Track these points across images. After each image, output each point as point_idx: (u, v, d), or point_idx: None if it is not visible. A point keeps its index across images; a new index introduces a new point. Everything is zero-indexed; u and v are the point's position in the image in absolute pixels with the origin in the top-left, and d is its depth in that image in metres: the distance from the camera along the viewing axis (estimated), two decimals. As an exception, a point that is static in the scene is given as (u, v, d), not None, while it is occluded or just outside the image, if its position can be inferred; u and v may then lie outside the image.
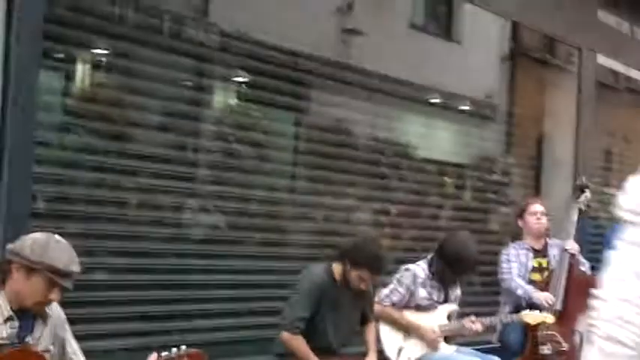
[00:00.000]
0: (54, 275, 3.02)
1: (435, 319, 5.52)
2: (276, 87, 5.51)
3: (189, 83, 5.15)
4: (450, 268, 5.51)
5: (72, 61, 4.65)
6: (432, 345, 5.38)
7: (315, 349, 4.74)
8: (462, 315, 5.73)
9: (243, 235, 5.32)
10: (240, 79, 5.58)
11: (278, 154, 5.66)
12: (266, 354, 5.03)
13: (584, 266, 6.31)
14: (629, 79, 9.05)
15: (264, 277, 5.35)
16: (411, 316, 5.48)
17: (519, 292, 5.99)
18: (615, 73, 8.90)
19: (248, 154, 5.38)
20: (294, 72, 5.66)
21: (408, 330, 5.42)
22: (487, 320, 5.71)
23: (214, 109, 5.42)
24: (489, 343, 5.97)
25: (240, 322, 5.22)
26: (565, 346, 5.78)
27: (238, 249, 5.26)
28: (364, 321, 5.16)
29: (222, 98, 5.52)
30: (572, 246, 6.16)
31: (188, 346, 2.95)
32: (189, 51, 5.12)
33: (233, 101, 5.57)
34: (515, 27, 7.92)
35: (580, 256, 6.27)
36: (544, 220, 6.30)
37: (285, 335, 4.71)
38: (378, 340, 5.36)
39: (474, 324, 5.51)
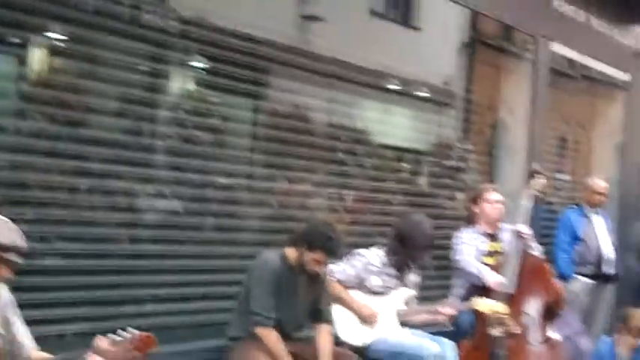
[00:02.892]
0: None
1: (391, 304, 5.60)
2: (235, 73, 5.52)
3: (146, 69, 5.13)
4: (405, 249, 5.58)
5: (26, 46, 4.62)
6: (369, 321, 5.46)
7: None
8: (419, 300, 5.84)
9: (199, 220, 5.34)
10: (199, 65, 5.58)
11: (235, 140, 5.67)
12: (219, 338, 5.09)
13: (537, 250, 6.44)
14: (584, 66, 9.17)
15: (218, 262, 5.38)
16: (363, 299, 5.56)
17: (474, 270, 6.08)
18: (570, 61, 9.03)
19: (205, 140, 5.39)
20: (252, 58, 5.66)
21: (345, 306, 5.49)
22: (460, 304, 5.81)
23: (171, 95, 5.42)
24: (442, 326, 6.07)
25: (193, 307, 5.24)
26: (515, 329, 5.90)
27: (193, 234, 5.28)
28: (320, 318, 5.18)
29: (180, 84, 5.52)
30: (525, 230, 6.27)
31: (139, 330, 2.98)
32: (146, 36, 5.10)
33: (191, 87, 5.57)
34: (474, 15, 7.99)
35: (533, 241, 6.39)
36: (500, 207, 6.42)
37: (263, 331, 4.75)
38: (333, 322, 5.42)
39: (445, 308, 5.62)
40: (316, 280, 5.03)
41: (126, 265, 4.93)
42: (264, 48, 5.81)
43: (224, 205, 5.47)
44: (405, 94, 7.34)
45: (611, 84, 9.78)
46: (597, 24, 9.16)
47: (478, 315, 5.95)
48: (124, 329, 2.96)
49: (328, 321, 5.16)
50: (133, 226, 5.04)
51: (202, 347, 5.12)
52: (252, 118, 5.92)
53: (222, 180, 5.46)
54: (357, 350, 5.36)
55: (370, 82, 6.82)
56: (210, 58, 5.46)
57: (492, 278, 6.01)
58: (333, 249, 4.89)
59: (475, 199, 6.47)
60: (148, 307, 5.04)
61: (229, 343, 4.93)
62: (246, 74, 5.61)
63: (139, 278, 4.95)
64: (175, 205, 5.21)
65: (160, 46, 5.23)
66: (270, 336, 4.75)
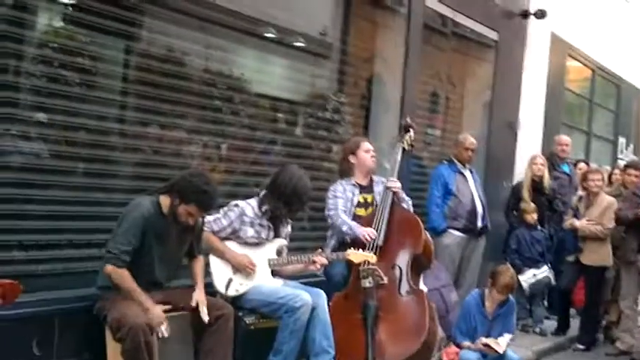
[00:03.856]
0: None
1: (264, 254, 5.59)
2: (106, 11, 5.27)
3: (10, 2, 4.81)
4: (284, 203, 5.58)
5: None
6: (246, 269, 5.45)
7: (141, 283, 4.69)
8: (291, 250, 5.83)
9: (67, 164, 5.10)
10: (67, 1, 5.30)
11: (106, 81, 5.44)
12: (88, 287, 4.93)
13: (407, 203, 6.55)
14: (455, 23, 9.33)
15: (87, 208, 5.18)
16: (237, 249, 5.52)
17: (344, 228, 6.16)
18: (443, 17, 9.16)
19: (74, 81, 5.14)
20: (124, -4, 5.44)
21: (220, 256, 5.46)
22: (332, 255, 5.84)
23: (38, 31, 5.11)
24: (314, 275, 6.11)
25: (61, 254, 5.04)
26: (385, 280, 6.01)
27: (61, 179, 5.05)
28: (192, 255, 5.14)
29: (47, 20, 5.22)
30: (395, 183, 6.36)
31: (2, 277, 2.81)
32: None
33: (58, 24, 5.27)
34: (350, -35, 7.96)
35: (402, 193, 6.49)
36: (374, 156, 6.50)
37: (110, 268, 4.63)
38: (208, 272, 5.38)
39: (318, 257, 5.64)
40: (189, 231, 4.96)
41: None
42: (138, -14, 5.57)
43: (94, 149, 5.24)
44: (281, 43, 7.24)
45: (482, 42, 10.02)
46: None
47: (350, 266, 6.03)
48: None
49: (201, 254, 5.19)
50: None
51: (71, 296, 4.95)
52: (123, 59, 5.68)
53: (92, 122, 5.22)
54: (232, 300, 5.35)
55: (246, 29, 6.67)
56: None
57: (361, 231, 6.09)
58: (207, 203, 4.85)
59: (351, 149, 6.50)
60: (14, 254, 4.81)
61: (98, 292, 4.79)
62: (118, 13, 5.37)
63: (4, 223, 4.71)
64: (42, 147, 4.93)
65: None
66: (118, 272, 4.62)
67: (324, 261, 5.71)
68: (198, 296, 4.94)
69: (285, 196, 5.58)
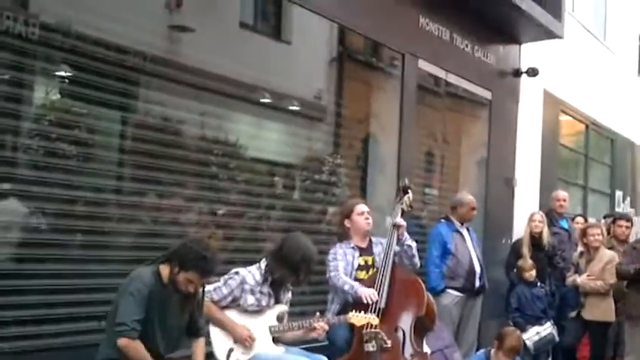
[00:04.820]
0: None
1: (265, 321, 5.53)
2: (102, 84, 5.32)
3: (7, 78, 4.85)
4: (292, 271, 5.53)
5: None
6: (245, 342, 5.38)
7: (143, 356, 4.63)
8: (292, 315, 5.77)
9: (65, 237, 5.09)
10: (63, 75, 5.34)
11: (103, 153, 5.45)
12: (89, 360, 4.86)
13: (412, 244, 6.47)
14: (448, 83, 9.43)
15: (86, 280, 5.14)
16: (237, 318, 5.46)
17: (346, 287, 6.11)
18: (436, 78, 9.25)
19: (71, 153, 5.15)
20: (120, 68, 5.48)
21: (220, 326, 5.40)
22: (334, 318, 5.77)
23: (35, 106, 5.14)
24: (316, 341, 6.04)
25: (59, 329, 4.99)
26: (389, 343, 5.93)
27: (59, 252, 5.02)
28: (195, 333, 5.05)
29: (44, 94, 5.25)
30: (401, 221, 6.36)
31: (2, 354, 2.77)
32: (6, 44, 4.83)
33: (55, 97, 5.31)
34: (343, 30, 8.05)
35: (406, 235, 6.45)
36: (371, 219, 6.48)
37: (124, 341, 4.55)
38: (208, 342, 5.30)
39: (320, 323, 5.58)
40: (190, 299, 4.90)
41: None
42: (132, 58, 5.62)
43: (92, 221, 5.22)
44: (276, 108, 7.29)
45: (475, 101, 10.10)
46: (461, 43, 9.45)
47: (353, 330, 5.97)
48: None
49: (202, 335, 5.07)
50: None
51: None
52: (120, 130, 5.70)
53: (90, 194, 5.21)
54: (234, 370, 5.27)
55: (241, 95, 6.73)
56: (76, 67, 5.23)
57: (363, 291, 6.04)
58: (207, 269, 4.79)
59: (346, 213, 6.51)
60: (12, 330, 4.75)
61: (100, 365, 4.72)
62: (113, 85, 5.42)
63: (1, 299, 4.65)
64: (40, 221, 4.92)
65: (23, 55, 4.95)
66: (135, 346, 4.55)
67: (325, 326, 5.64)
68: None
69: (294, 264, 5.53)
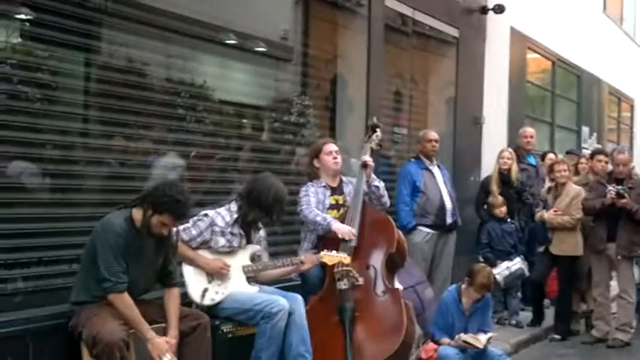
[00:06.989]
0: None
1: (238, 262, 5.54)
2: (64, 25, 5.19)
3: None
4: (265, 212, 5.53)
5: None
6: (220, 274, 5.40)
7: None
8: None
9: (32, 181, 5.02)
10: (24, 17, 5.20)
11: (68, 95, 5.35)
12: (60, 304, 4.84)
13: (380, 184, 6.51)
14: (415, 22, 9.35)
15: (55, 224, 5.09)
16: (210, 257, 5.47)
17: (318, 219, 6.12)
18: (403, 16, 9.17)
19: (35, 96, 5.05)
20: (82, 9, 5.35)
21: (192, 263, 5.41)
22: (306, 258, 5.78)
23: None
24: (290, 280, 6.07)
25: (30, 272, 4.95)
26: (360, 281, 5.99)
27: (25, 196, 4.96)
28: (168, 280, 5.03)
29: (4, 37, 5.12)
30: (370, 159, 6.40)
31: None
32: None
33: (16, 40, 5.18)
34: (307, -31, 7.94)
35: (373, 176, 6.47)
36: (339, 158, 6.47)
37: (113, 296, 4.59)
38: (183, 284, 5.31)
39: (307, 257, 5.63)
40: (163, 242, 4.90)
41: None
42: (94, -1, 5.49)
43: (59, 164, 5.15)
44: (243, 49, 7.19)
45: (442, 40, 10.06)
46: (428, -20, 9.37)
47: (325, 268, 6.00)
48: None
49: (176, 284, 5.07)
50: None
51: (44, 314, 4.87)
52: (84, 72, 5.59)
53: (56, 137, 5.13)
54: (208, 309, 5.29)
55: (207, 36, 6.62)
56: (37, 9, 5.09)
57: (339, 226, 6.06)
58: (180, 212, 4.80)
59: (314, 153, 6.50)
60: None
61: (74, 308, 4.71)
62: (77, 26, 5.29)
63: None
64: (4, 165, 4.83)
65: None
66: (123, 300, 4.61)
67: (315, 259, 5.69)
68: (171, 340, 4.76)
69: (267, 205, 5.53)
